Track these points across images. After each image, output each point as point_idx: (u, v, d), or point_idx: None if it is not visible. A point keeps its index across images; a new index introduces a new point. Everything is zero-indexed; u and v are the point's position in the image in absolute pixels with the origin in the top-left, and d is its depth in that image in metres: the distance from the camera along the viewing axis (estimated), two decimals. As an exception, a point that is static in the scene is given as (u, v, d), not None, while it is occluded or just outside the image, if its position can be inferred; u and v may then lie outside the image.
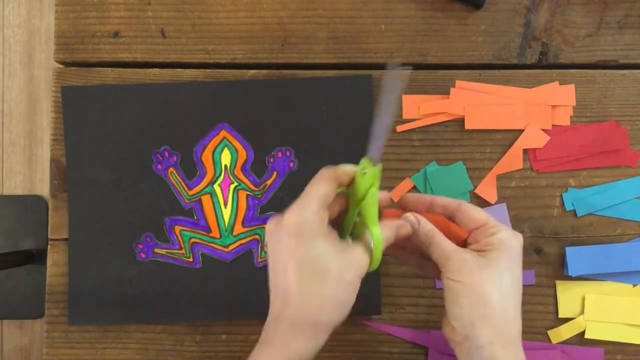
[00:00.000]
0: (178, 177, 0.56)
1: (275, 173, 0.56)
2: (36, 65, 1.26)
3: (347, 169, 0.41)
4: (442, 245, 0.42)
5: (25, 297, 1.21)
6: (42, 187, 1.25)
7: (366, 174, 0.40)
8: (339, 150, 0.56)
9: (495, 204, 0.56)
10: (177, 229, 0.57)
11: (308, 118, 0.56)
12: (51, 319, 0.58)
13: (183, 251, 0.57)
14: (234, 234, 0.57)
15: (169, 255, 0.57)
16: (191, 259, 0.57)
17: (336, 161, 0.55)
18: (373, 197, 0.40)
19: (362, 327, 0.57)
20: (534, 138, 0.56)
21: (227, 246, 0.56)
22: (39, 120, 1.26)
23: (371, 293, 0.56)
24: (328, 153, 0.56)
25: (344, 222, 0.43)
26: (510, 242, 0.42)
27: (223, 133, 0.56)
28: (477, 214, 0.44)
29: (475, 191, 0.56)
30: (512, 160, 0.56)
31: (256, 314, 0.56)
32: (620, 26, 0.57)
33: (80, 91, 0.57)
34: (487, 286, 0.40)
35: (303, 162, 0.56)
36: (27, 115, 1.26)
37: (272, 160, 0.56)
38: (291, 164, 0.56)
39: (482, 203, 0.56)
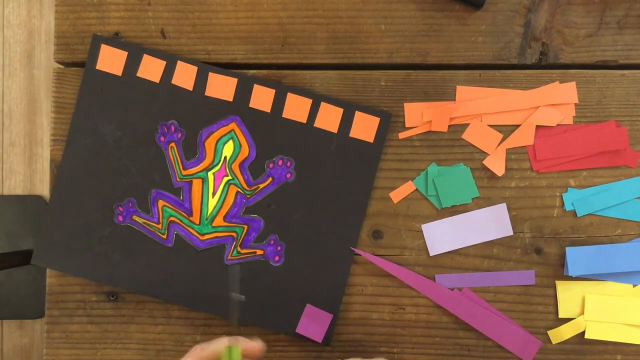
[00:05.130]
0: (177, 153, 0.57)
1: (270, 179, 0.57)
2: (36, 65, 1.26)
3: (217, 348, 0.44)
4: None
5: (25, 297, 1.21)
6: (42, 187, 1.25)
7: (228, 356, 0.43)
8: (339, 176, 0.56)
9: (495, 204, 0.56)
10: (161, 203, 0.57)
11: (319, 137, 0.56)
12: (51, 319, 0.58)
13: (159, 226, 0.57)
14: (213, 224, 0.57)
15: (145, 225, 0.57)
16: (165, 236, 0.57)
17: (331, 187, 0.56)
18: None
19: (362, 327, 0.57)
20: (547, 116, 0.55)
21: (203, 234, 0.57)
22: (39, 120, 1.25)
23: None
24: (327, 177, 0.56)
25: None
26: None
27: (233, 125, 0.56)
28: None
29: (484, 162, 0.56)
30: (523, 136, 0.56)
31: (215, 309, 0.57)
32: (620, 26, 0.57)
33: (109, 42, 0.57)
34: None
35: (300, 177, 0.56)
36: (27, 115, 1.26)
37: (271, 165, 0.57)
38: (288, 175, 0.56)
39: (489, 175, 0.56)
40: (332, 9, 0.58)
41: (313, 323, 0.56)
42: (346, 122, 0.56)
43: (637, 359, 0.56)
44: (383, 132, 0.56)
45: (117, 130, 0.57)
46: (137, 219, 0.57)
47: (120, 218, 0.57)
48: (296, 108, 0.56)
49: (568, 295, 0.56)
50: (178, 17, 0.58)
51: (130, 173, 0.57)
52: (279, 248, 0.56)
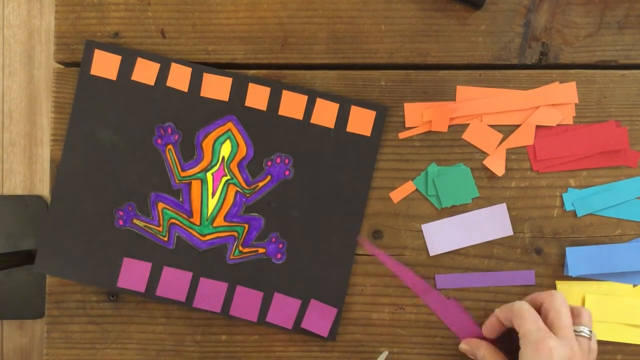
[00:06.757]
0: (175, 155, 0.57)
1: (269, 177, 0.57)
2: (36, 65, 1.26)
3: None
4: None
5: (25, 297, 1.21)
6: (42, 187, 1.25)
7: None
8: (338, 171, 0.56)
9: (495, 204, 0.56)
10: (160, 205, 0.57)
11: (316, 133, 0.56)
12: (51, 319, 0.58)
13: (160, 229, 0.57)
14: (214, 225, 0.57)
15: (145, 229, 0.57)
16: (166, 239, 0.57)
17: (330, 183, 0.56)
18: None
19: (362, 327, 0.57)
20: (547, 116, 0.56)
21: (204, 235, 0.57)
22: (39, 120, 1.25)
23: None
24: (325, 172, 0.56)
25: None
26: None
27: (229, 125, 0.56)
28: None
29: (484, 162, 0.56)
30: (523, 136, 0.56)
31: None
32: (620, 26, 0.57)
33: (102, 47, 0.57)
34: None
35: (299, 174, 0.56)
36: (27, 115, 1.26)
37: (269, 163, 0.57)
38: (287, 172, 0.56)
39: (489, 175, 0.56)
40: (332, 9, 0.58)
41: (318, 318, 0.56)
42: (342, 117, 0.56)
43: (637, 359, 0.56)
44: (380, 125, 0.56)
45: (113, 135, 0.57)
46: (137, 223, 0.57)
47: (121, 222, 0.57)
48: (292, 105, 0.56)
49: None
50: (178, 17, 0.58)
51: (129, 177, 0.57)
52: (280, 246, 0.57)
